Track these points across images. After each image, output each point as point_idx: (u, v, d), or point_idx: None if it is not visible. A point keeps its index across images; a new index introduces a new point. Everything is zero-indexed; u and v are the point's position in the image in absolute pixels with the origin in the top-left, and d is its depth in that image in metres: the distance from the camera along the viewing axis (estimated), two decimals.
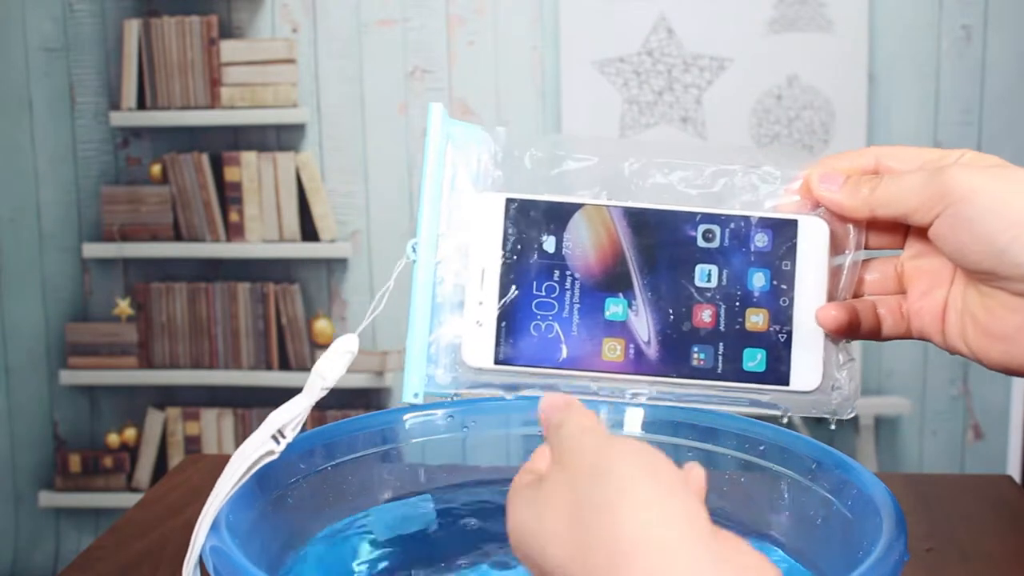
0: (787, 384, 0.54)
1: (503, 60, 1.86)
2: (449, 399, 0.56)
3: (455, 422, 0.72)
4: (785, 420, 0.56)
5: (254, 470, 0.55)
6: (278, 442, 0.55)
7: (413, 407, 0.72)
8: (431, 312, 0.55)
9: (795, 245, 0.55)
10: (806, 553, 0.64)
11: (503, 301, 0.54)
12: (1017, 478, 1.82)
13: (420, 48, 1.87)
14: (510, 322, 0.54)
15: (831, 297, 0.55)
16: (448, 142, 0.55)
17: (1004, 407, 1.87)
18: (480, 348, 0.54)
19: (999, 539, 0.84)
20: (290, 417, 0.55)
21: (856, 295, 0.56)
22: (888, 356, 1.81)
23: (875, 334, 0.55)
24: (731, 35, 1.81)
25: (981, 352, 0.52)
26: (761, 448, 0.68)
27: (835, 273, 0.55)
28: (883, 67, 1.81)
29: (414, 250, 0.55)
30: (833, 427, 0.56)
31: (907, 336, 0.56)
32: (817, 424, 1.89)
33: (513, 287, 0.54)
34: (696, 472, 0.46)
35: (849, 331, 0.54)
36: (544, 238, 0.55)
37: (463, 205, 0.55)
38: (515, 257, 0.55)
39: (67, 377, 1.99)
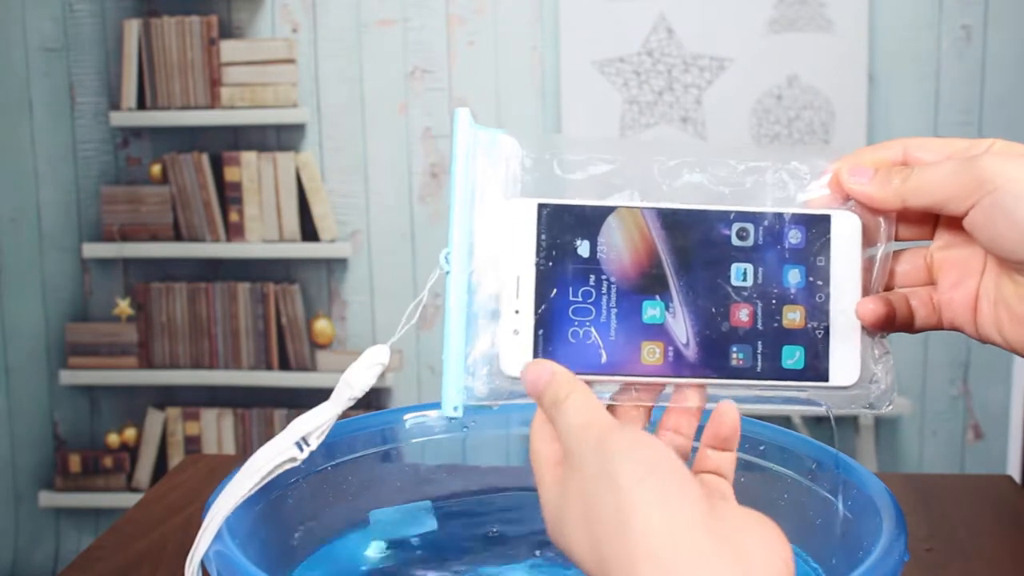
0: (826, 380, 0.54)
1: (503, 60, 1.86)
2: (491, 407, 0.55)
3: (455, 422, 0.72)
4: (831, 417, 0.56)
5: (273, 476, 0.54)
6: (302, 449, 0.54)
7: (413, 407, 0.72)
8: (466, 323, 0.54)
9: (828, 240, 0.55)
10: (806, 553, 0.64)
11: (539, 309, 0.53)
12: (1017, 478, 1.82)
13: (420, 48, 1.87)
14: (547, 329, 0.53)
15: (864, 291, 0.55)
16: (476, 148, 0.54)
17: (1004, 407, 1.87)
18: (518, 357, 0.53)
19: (999, 539, 0.84)
20: (315, 425, 0.54)
21: (887, 287, 0.56)
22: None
23: (908, 326, 0.55)
24: (731, 35, 1.81)
25: (1016, 341, 0.52)
26: (761, 448, 0.68)
27: (867, 266, 0.55)
28: (883, 67, 1.81)
29: (447, 260, 0.54)
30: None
31: (939, 327, 0.56)
32: (816, 424, 1.89)
33: (550, 293, 0.54)
34: (729, 415, 0.51)
35: (887, 324, 0.54)
36: (578, 243, 0.54)
37: (494, 212, 0.54)
38: (550, 263, 0.54)
39: (67, 377, 1.99)
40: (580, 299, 0.54)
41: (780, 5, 1.80)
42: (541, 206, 0.54)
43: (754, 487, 0.67)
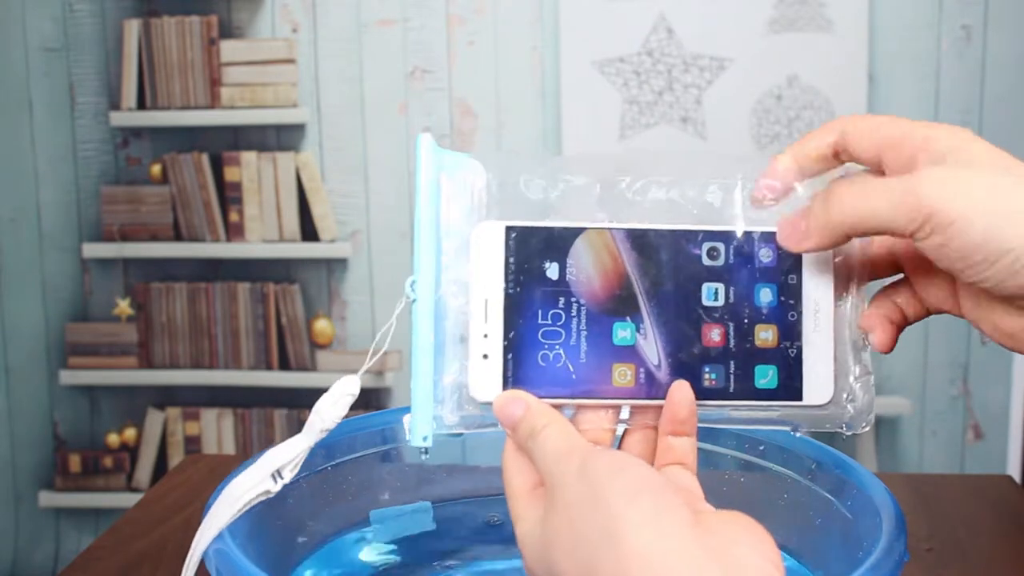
0: (800, 399, 0.53)
1: (503, 60, 1.86)
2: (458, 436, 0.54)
3: None
4: (798, 434, 0.55)
5: (249, 507, 0.54)
6: (276, 482, 0.54)
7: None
8: (435, 351, 0.53)
9: (800, 257, 0.54)
10: (806, 553, 0.64)
11: (509, 333, 0.52)
12: (1017, 478, 1.82)
13: (420, 48, 1.87)
14: (517, 353, 0.52)
15: (840, 293, 0.54)
16: (441, 173, 0.53)
17: (1004, 407, 1.87)
18: (488, 382, 0.52)
19: (999, 539, 0.84)
20: (289, 458, 0.54)
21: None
22: (888, 356, 1.81)
23: (903, 325, 0.54)
24: (731, 35, 1.81)
25: (1001, 340, 0.51)
26: (761, 448, 0.68)
27: (844, 272, 0.54)
28: (883, 67, 1.81)
29: (413, 288, 0.53)
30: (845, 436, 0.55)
31: (928, 315, 0.55)
32: None
33: (519, 316, 0.53)
34: (683, 397, 0.51)
35: (897, 335, 0.54)
36: (547, 265, 0.53)
37: (461, 236, 0.53)
38: (518, 287, 0.53)
39: (67, 377, 1.99)
40: (550, 322, 0.53)
41: (780, 5, 1.80)
42: (509, 229, 0.53)
43: (754, 487, 0.67)
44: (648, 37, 1.82)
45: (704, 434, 0.67)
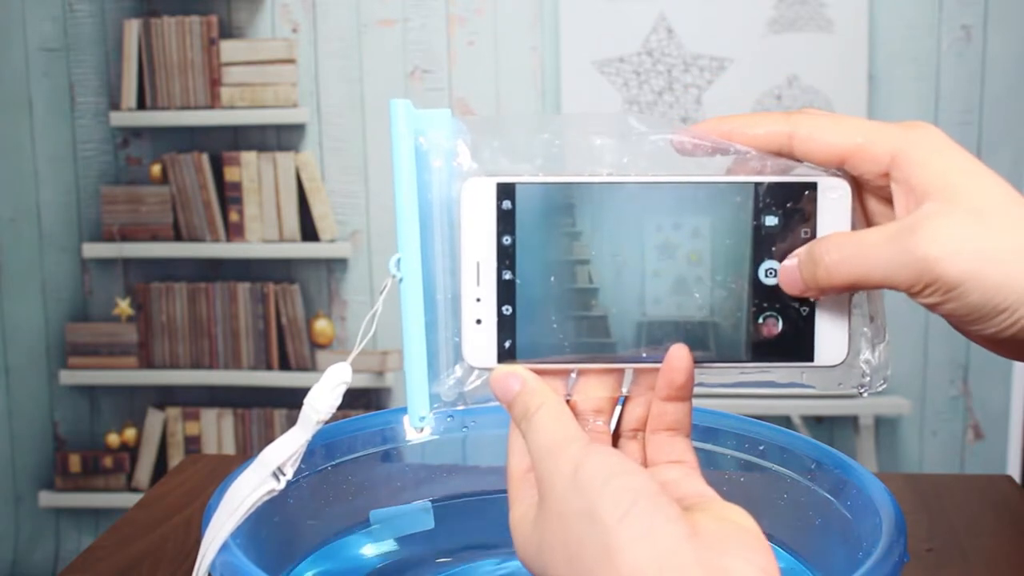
0: (812, 360, 0.50)
1: (503, 60, 1.86)
2: (450, 417, 0.52)
3: (455, 422, 0.72)
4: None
5: (254, 508, 0.54)
6: (279, 479, 0.53)
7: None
8: (426, 328, 0.50)
9: (815, 210, 0.49)
10: (806, 553, 0.64)
11: (502, 295, 0.49)
12: (1017, 478, 1.82)
13: (420, 48, 1.87)
14: (511, 317, 0.49)
15: None
16: (420, 137, 0.50)
17: (1004, 407, 1.87)
18: (482, 348, 0.50)
19: (999, 539, 0.84)
20: (288, 454, 0.52)
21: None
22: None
23: None
24: (731, 35, 1.81)
25: (984, 346, 0.50)
26: (761, 448, 0.67)
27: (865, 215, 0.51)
28: (883, 67, 1.81)
29: (398, 267, 0.50)
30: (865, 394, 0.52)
31: None
32: (817, 424, 1.89)
33: (513, 278, 0.49)
34: (681, 361, 0.49)
35: None
36: (541, 222, 0.49)
37: (447, 197, 0.50)
38: (512, 246, 0.49)
39: (67, 377, 1.99)
40: (545, 283, 0.49)
41: (780, 5, 1.80)
42: (500, 185, 0.49)
43: (754, 487, 0.67)
44: (648, 37, 1.82)
45: (704, 434, 0.68)
